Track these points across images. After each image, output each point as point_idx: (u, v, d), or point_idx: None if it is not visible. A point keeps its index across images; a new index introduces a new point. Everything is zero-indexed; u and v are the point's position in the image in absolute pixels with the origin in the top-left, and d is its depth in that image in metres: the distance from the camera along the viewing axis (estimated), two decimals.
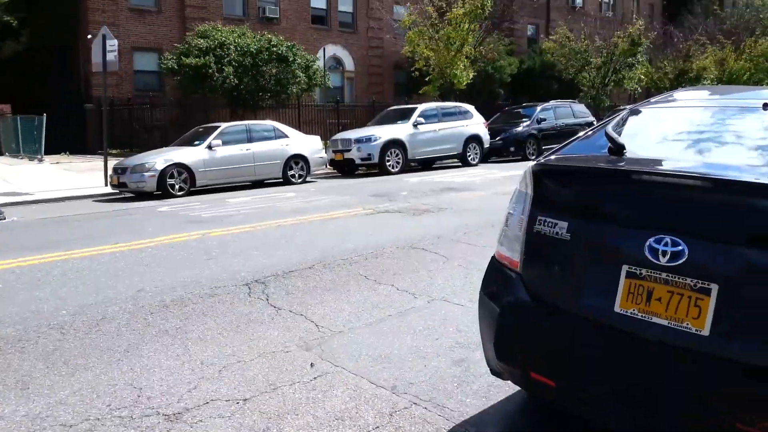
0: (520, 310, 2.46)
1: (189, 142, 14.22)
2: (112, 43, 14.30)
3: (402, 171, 16.60)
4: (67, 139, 21.96)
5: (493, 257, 2.73)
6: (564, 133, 18.02)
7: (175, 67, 20.98)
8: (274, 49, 21.87)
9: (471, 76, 23.83)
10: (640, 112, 2.92)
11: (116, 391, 3.30)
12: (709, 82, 31.28)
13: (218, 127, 14.40)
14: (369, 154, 16.24)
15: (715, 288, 1.91)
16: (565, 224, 2.31)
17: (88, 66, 18.18)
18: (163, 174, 12.76)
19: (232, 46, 21.00)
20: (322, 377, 3.43)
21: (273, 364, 3.62)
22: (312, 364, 3.60)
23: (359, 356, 3.71)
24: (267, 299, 4.89)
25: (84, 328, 4.29)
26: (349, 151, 16.42)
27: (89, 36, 17.76)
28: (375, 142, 16.22)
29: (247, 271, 5.73)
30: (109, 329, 4.27)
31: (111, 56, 14.27)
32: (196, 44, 20.93)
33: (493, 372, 2.75)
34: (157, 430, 2.88)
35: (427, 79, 23.65)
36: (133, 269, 5.97)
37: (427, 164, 18.22)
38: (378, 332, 4.11)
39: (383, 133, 16.62)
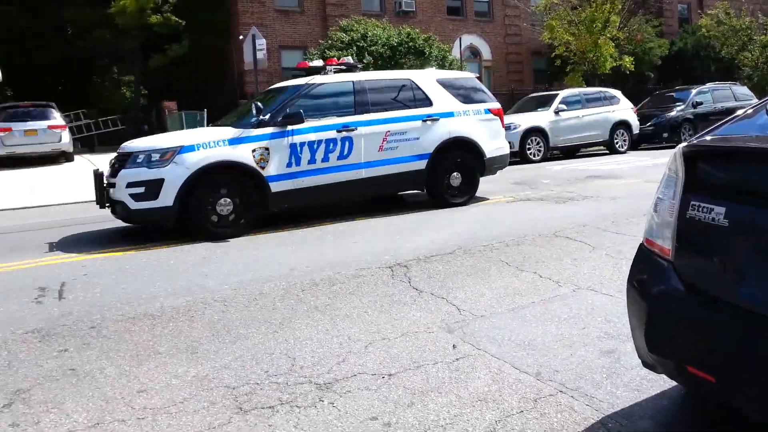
0: (673, 299, 2.32)
1: None
2: (261, 43, 15.25)
3: (543, 159, 16.12)
4: None
5: (641, 245, 2.61)
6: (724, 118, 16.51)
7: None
8: (411, 43, 22.10)
9: (614, 53, 22.47)
10: None
11: (273, 360, 3.56)
12: None
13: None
14: (509, 142, 15.94)
15: None
16: (722, 209, 2.15)
17: (241, 65, 19.54)
18: None
19: (375, 39, 21.50)
20: (465, 359, 3.45)
21: (416, 344, 3.70)
22: (454, 346, 3.64)
23: (502, 341, 3.69)
24: (409, 282, 4.99)
25: (244, 302, 4.66)
26: None
27: (240, 37, 19.03)
28: (515, 130, 15.86)
29: (390, 255, 5.89)
30: (266, 303, 4.60)
31: (260, 54, 15.22)
32: (339, 38, 21.66)
33: (645, 364, 2.61)
34: (310, 398, 3.06)
35: (568, 68, 22.69)
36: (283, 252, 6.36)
37: (570, 152, 17.53)
38: (521, 318, 4.05)
39: (523, 120, 16.24)
